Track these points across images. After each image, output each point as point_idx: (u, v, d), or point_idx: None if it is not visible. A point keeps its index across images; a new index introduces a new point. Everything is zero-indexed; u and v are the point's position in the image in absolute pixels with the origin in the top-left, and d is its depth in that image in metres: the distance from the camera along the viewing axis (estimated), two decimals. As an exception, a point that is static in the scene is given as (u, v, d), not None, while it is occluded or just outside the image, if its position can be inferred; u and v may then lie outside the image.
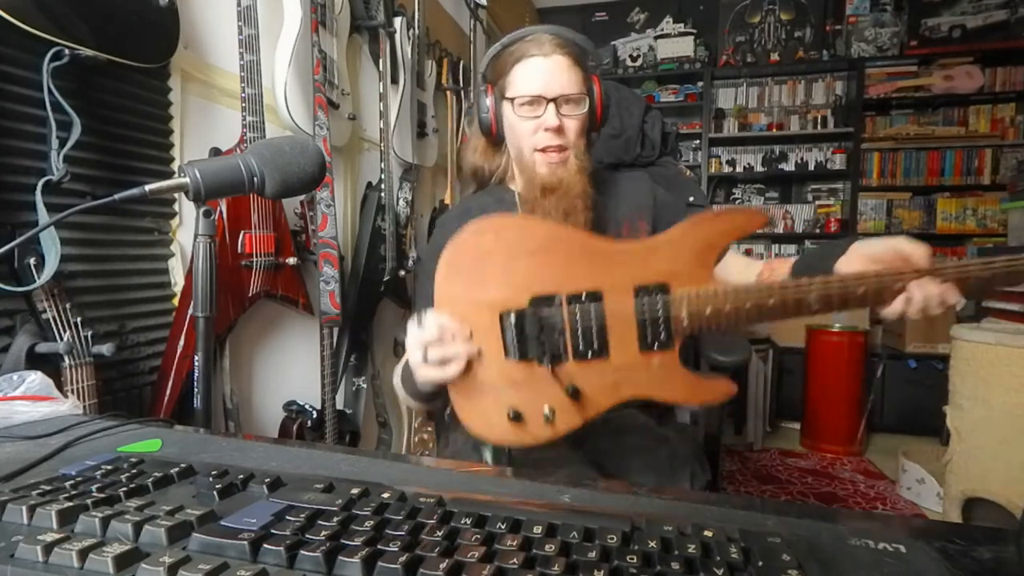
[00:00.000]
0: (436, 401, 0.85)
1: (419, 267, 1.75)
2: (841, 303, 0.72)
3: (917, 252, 0.71)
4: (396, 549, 0.33)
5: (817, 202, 3.98)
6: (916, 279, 0.70)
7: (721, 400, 0.77)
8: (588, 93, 0.93)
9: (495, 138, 0.99)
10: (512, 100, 0.92)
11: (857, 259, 0.74)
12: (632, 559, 0.33)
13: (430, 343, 0.73)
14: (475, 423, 0.76)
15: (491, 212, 0.89)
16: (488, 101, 0.96)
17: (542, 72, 0.90)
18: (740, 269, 0.97)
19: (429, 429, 2.22)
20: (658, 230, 0.99)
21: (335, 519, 0.37)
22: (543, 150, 0.92)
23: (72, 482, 0.43)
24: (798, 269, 0.83)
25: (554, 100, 0.90)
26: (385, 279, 1.86)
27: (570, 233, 0.78)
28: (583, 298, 0.74)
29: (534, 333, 0.74)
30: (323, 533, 0.35)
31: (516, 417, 0.74)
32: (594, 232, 0.89)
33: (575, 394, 0.74)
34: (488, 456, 0.94)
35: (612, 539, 0.35)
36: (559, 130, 0.91)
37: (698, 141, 4.08)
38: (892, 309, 0.72)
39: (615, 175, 1.10)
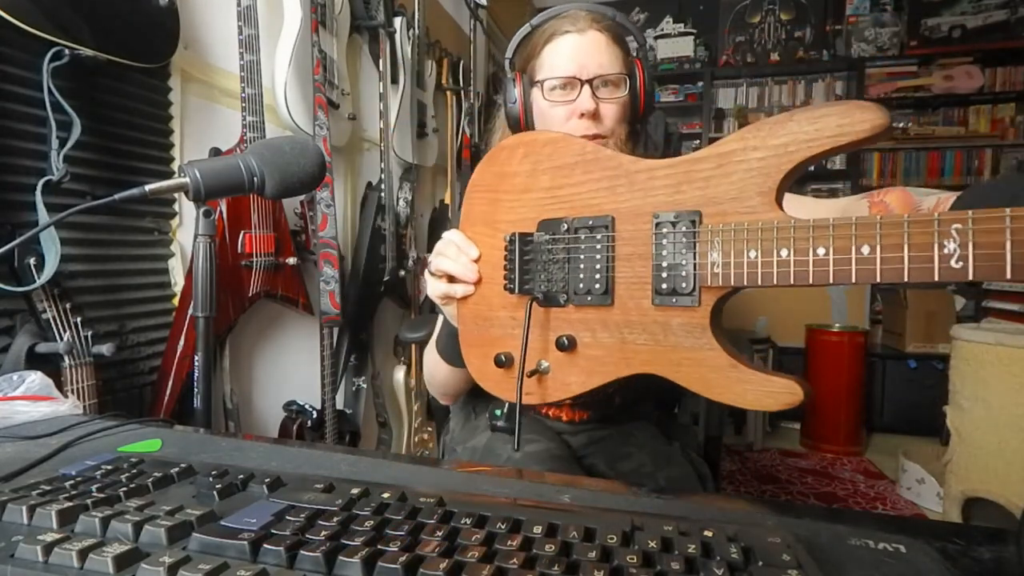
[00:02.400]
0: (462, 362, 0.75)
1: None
2: (1019, 262, 0.39)
3: None
4: (396, 549, 0.33)
5: (817, 202, 3.98)
6: None
7: (779, 409, 0.52)
8: (629, 75, 0.82)
9: (524, 130, 0.85)
10: (542, 84, 0.82)
11: None
12: (632, 559, 0.33)
13: (438, 254, 0.70)
14: (471, 361, 0.68)
15: None
16: (516, 90, 0.84)
17: (576, 50, 0.80)
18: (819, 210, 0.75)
19: (429, 429, 2.22)
20: None
21: (335, 519, 0.37)
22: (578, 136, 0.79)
23: (72, 482, 0.43)
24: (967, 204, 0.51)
25: (589, 82, 0.79)
26: (385, 279, 1.86)
27: (603, 150, 0.61)
28: (589, 225, 0.60)
29: (534, 264, 0.63)
30: (323, 533, 0.35)
31: (504, 362, 0.64)
32: None
33: (568, 345, 0.60)
34: (500, 418, 0.82)
35: (612, 539, 0.35)
36: (595, 115, 0.80)
37: (698, 141, 4.08)
38: None
39: None
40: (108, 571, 0.32)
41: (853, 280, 0.46)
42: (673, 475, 0.90)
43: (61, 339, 0.90)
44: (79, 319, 0.93)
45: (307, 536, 0.35)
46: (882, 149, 3.75)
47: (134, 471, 0.45)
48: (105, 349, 0.95)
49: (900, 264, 0.43)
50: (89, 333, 0.94)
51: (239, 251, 1.25)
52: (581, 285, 0.61)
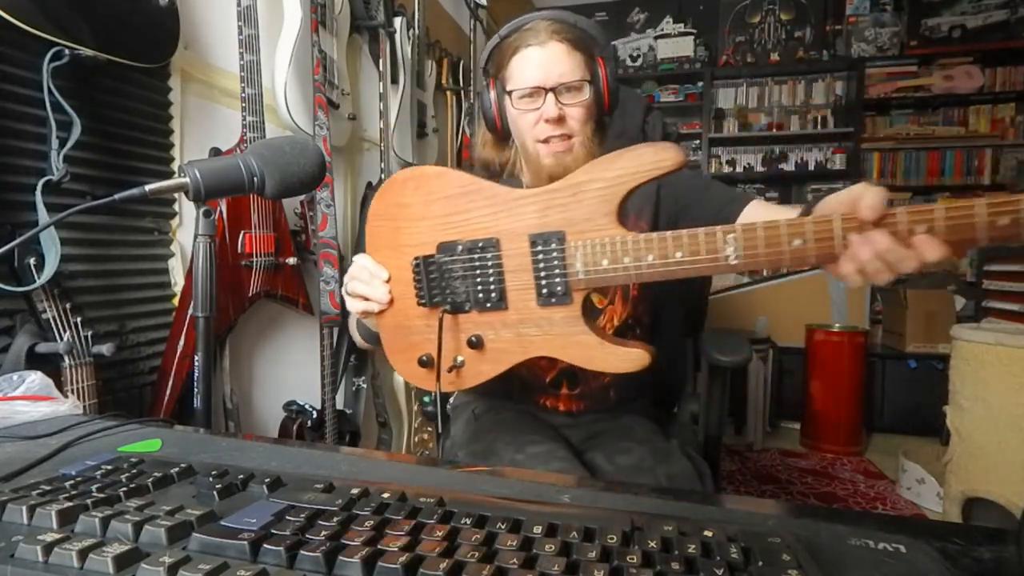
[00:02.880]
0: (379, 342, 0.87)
1: None
2: (771, 260, 0.60)
3: (866, 197, 0.55)
4: (396, 549, 0.33)
5: (817, 202, 3.98)
6: (854, 230, 0.57)
7: (634, 369, 0.70)
8: (592, 77, 0.89)
9: (501, 133, 0.95)
10: (511, 94, 0.89)
11: (820, 210, 0.63)
12: (632, 559, 0.33)
13: (353, 278, 0.80)
14: (397, 365, 0.81)
15: None
16: (491, 95, 0.93)
17: (538, 62, 0.87)
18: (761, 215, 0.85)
19: (429, 429, 2.22)
20: (659, 223, 0.98)
21: (335, 519, 0.37)
22: (546, 140, 0.88)
23: (72, 482, 0.43)
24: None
25: (552, 90, 0.86)
26: (385, 279, 1.85)
27: (481, 183, 0.74)
28: (480, 245, 0.73)
29: (437, 280, 0.75)
30: (323, 533, 0.35)
31: (426, 362, 0.77)
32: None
33: (477, 344, 0.74)
34: (428, 404, 0.98)
35: (612, 539, 0.35)
36: (560, 120, 0.87)
37: (698, 141, 4.08)
38: (842, 271, 0.59)
39: None
40: (108, 571, 0.32)
41: (675, 276, 0.64)
42: (673, 471, 0.90)
43: (61, 339, 0.90)
44: (79, 319, 0.93)
45: (307, 536, 0.35)
46: (882, 149, 3.75)
47: (134, 471, 0.45)
48: (105, 349, 0.95)
49: (700, 264, 0.62)
50: (89, 333, 0.94)
51: (239, 251, 1.25)
52: (480, 295, 0.73)
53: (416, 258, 0.76)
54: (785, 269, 3.63)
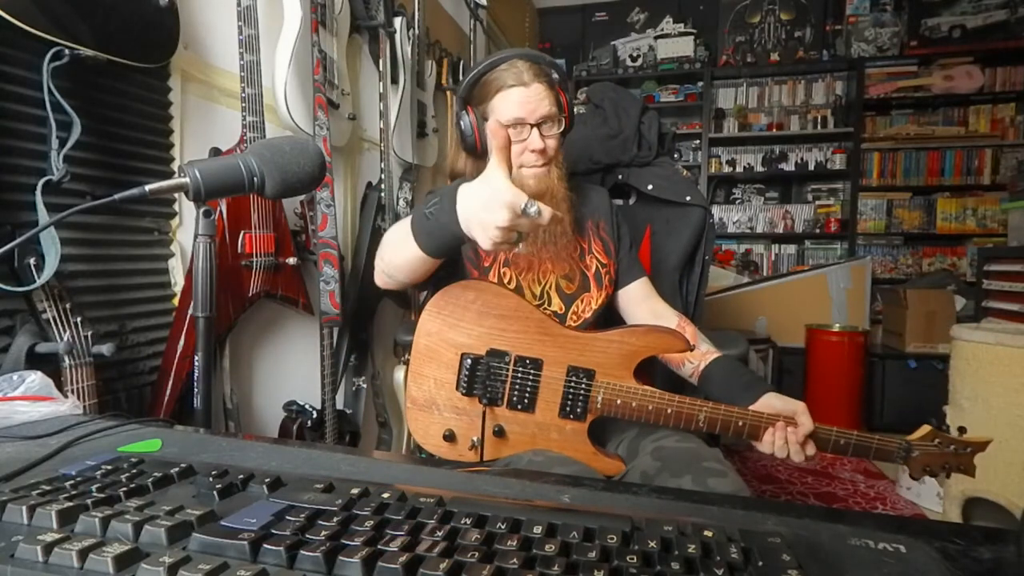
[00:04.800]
0: (437, 257, 0.86)
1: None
2: (723, 428, 0.88)
3: (804, 419, 0.86)
4: (396, 549, 0.33)
5: (817, 202, 3.98)
6: (780, 427, 0.86)
7: (611, 474, 0.90)
8: (559, 109, 1.02)
9: (479, 154, 1.05)
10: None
11: (763, 405, 0.90)
12: (632, 559, 0.33)
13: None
14: (418, 432, 0.94)
15: None
16: (469, 120, 1.02)
17: (524, 100, 0.98)
18: (656, 312, 1.07)
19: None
20: (620, 237, 1.12)
21: (335, 519, 0.37)
22: (530, 166, 1.00)
23: (72, 482, 0.43)
24: (715, 377, 0.97)
25: (536, 125, 0.98)
26: (385, 279, 1.85)
27: (534, 311, 0.93)
28: (527, 362, 0.91)
29: (482, 377, 0.91)
30: (323, 533, 0.35)
31: (449, 437, 0.92)
32: (574, 228, 1.05)
33: (500, 433, 0.91)
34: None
35: (612, 539, 0.35)
36: (543, 150, 0.99)
37: (698, 141, 4.08)
38: (761, 444, 0.87)
39: (581, 182, 1.19)
40: (108, 571, 0.32)
41: (662, 424, 0.89)
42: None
43: (61, 339, 0.90)
44: (79, 319, 0.93)
45: (307, 536, 0.35)
46: (882, 149, 3.75)
47: (134, 471, 0.45)
48: (105, 349, 0.95)
49: (681, 420, 0.88)
50: (89, 333, 0.94)
51: (239, 251, 1.25)
52: (515, 397, 0.91)
53: (465, 354, 0.91)
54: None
